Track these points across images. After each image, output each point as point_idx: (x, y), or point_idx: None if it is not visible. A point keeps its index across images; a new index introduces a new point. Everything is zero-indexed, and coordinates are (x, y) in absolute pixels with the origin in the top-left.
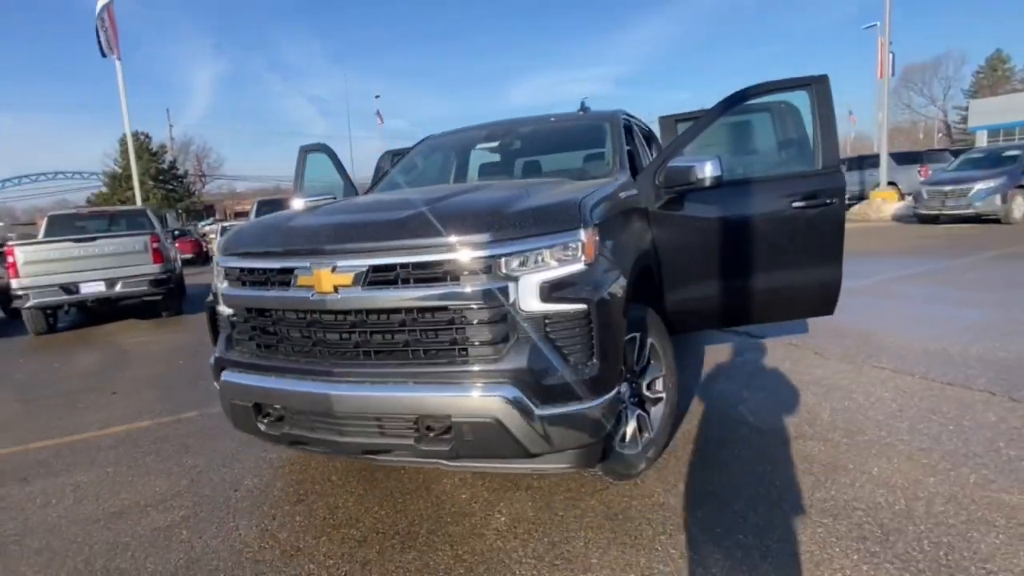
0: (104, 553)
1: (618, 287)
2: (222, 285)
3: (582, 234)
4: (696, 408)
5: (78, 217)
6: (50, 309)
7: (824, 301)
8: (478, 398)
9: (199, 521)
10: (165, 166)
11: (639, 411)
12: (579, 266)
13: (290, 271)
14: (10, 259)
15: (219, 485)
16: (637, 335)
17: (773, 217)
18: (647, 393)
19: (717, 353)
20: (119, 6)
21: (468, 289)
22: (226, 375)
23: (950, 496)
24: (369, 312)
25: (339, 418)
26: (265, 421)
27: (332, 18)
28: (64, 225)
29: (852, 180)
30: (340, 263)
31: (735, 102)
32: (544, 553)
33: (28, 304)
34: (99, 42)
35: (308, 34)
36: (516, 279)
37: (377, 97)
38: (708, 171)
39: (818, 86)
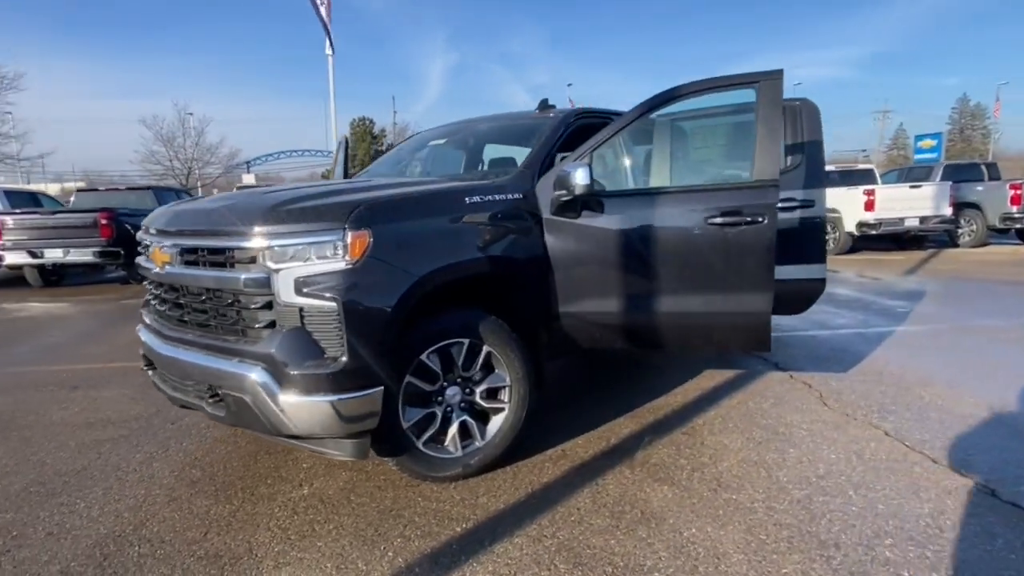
0: (62, 445)
1: (392, 290)
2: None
3: (347, 234)
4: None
5: (97, 192)
6: (38, 268)
7: (752, 336)
8: (236, 375)
9: (135, 437)
10: (383, 148)
11: (465, 417)
12: (339, 265)
13: (147, 247)
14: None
15: (167, 418)
16: (465, 341)
17: (685, 234)
18: (481, 401)
19: (706, 379)
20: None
21: (242, 276)
22: (138, 329)
23: None
24: (181, 287)
25: (171, 375)
26: (149, 372)
27: (548, 7)
28: (85, 198)
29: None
30: (166, 243)
31: (659, 103)
32: (284, 525)
33: (3, 263)
34: (328, 38)
35: (525, 24)
36: (277, 271)
37: (569, 85)
38: (578, 179)
39: (767, 84)
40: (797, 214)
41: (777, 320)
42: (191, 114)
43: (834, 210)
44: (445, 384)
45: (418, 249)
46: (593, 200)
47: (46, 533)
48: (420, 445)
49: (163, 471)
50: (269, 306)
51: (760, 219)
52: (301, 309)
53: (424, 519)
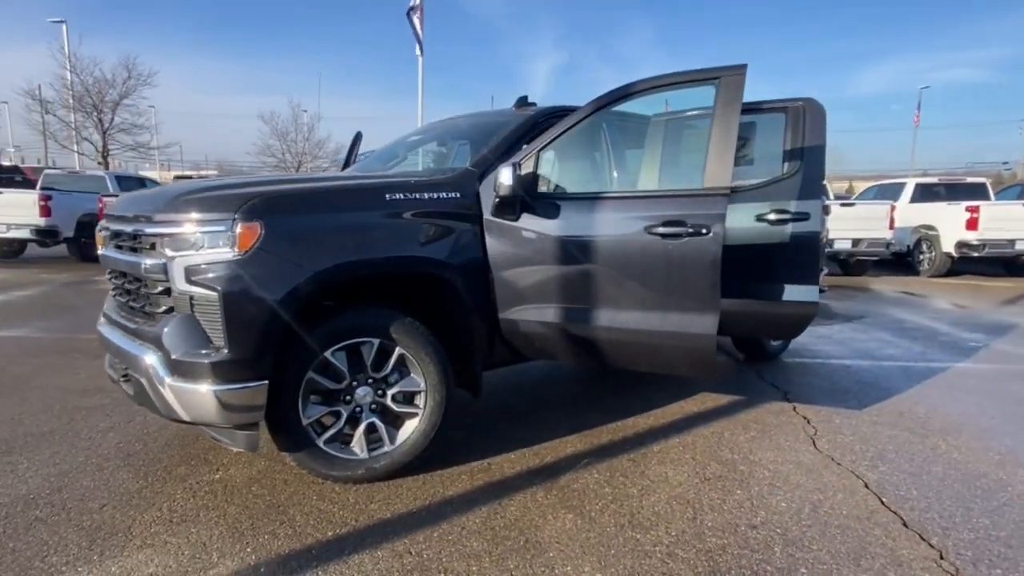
0: (47, 408)
1: (280, 284)
2: None
3: (237, 225)
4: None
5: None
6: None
7: (695, 360)
8: (136, 357)
9: (112, 408)
10: None
11: (374, 419)
12: (227, 255)
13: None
14: None
15: None
16: (375, 341)
17: (624, 243)
18: (392, 404)
19: (695, 402)
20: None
21: (143, 262)
22: None
23: None
24: (113, 271)
25: (109, 354)
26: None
27: (660, 5)
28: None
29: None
30: (106, 226)
31: (612, 100)
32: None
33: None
34: (418, 39)
35: (633, 21)
36: (172, 258)
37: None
38: (501, 179)
39: (728, 80)
40: (788, 228)
41: (814, 345)
42: (305, 111)
43: (931, 227)
44: (355, 383)
45: (317, 244)
46: (534, 202)
47: None
48: (321, 443)
49: (111, 442)
50: (168, 292)
51: (704, 231)
52: (191, 297)
53: (304, 519)
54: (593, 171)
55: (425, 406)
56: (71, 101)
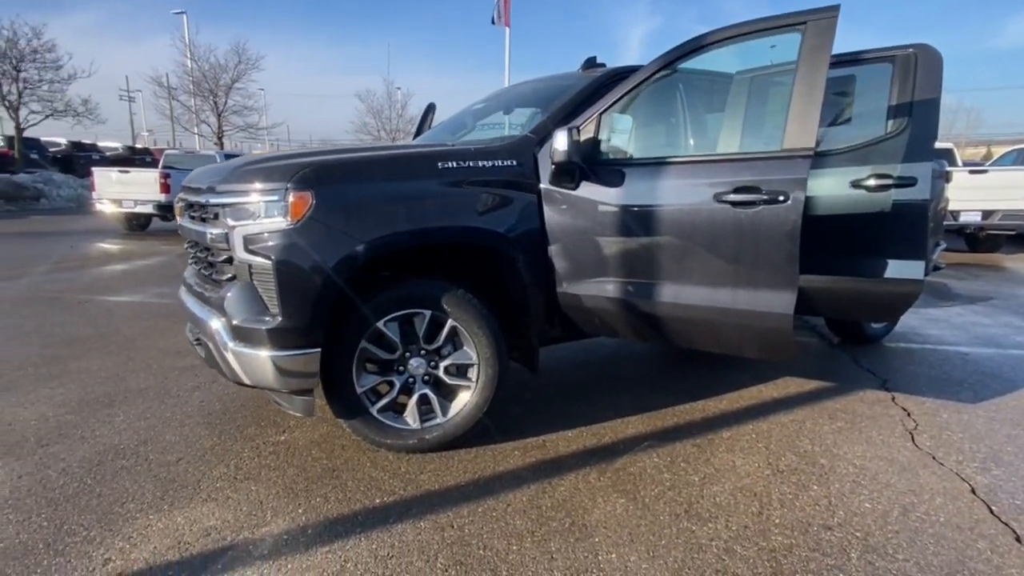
0: (147, 367)
1: (331, 253)
2: None
3: (289, 195)
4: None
5: None
6: None
7: (768, 341)
8: (204, 322)
9: (201, 369)
10: None
11: (426, 390)
12: (280, 224)
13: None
14: None
15: None
16: (427, 312)
17: (691, 212)
18: (444, 376)
19: (776, 387)
20: None
21: (209, 231)
22: None
23: None
24: (189, 241)
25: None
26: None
27: None
28: None
29: None
30: (183, 197)
31: (682, 55)
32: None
33: None
34: (495, 12)
35: None
36: (233, 228)
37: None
38: (556, 145)
39: (815, 26)
40: (890, 195)
41: (926, 329)
42: (399, 88)
43: None
44: (408, 354)
45: (368, 214)
46: (595, 169)
47: (79, 436)
48: (375, 411)
49: (195, 400)
50: (231, 261)
51: (781, 198)
52: (250, 266)
53: (356, 485)
54: (661, 135)
55: (477, 379)
56: (191, 87)
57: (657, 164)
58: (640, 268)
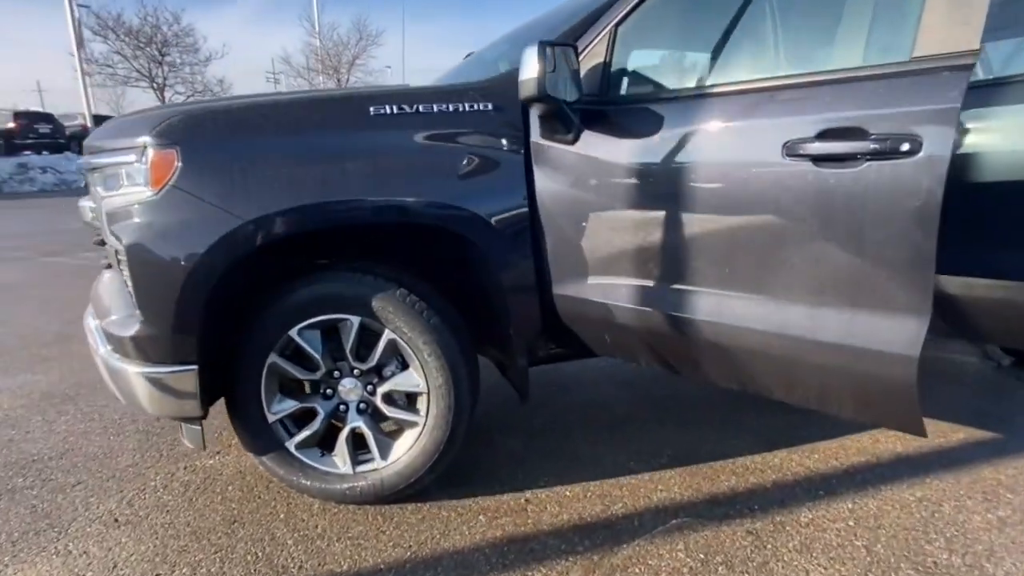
0: None
1: (198, 236)
2: None
3: (149, 153)
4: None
5: None
6: None
7: (875, 399)
8: (84, 318)
9: None
10: None
11: (360, 423)
12: (141, 195)
13: None
14: None
15: None
16: (354, 319)
17: (742, 178)
18: (382, 406)
19: (897, 434)
20: None
21: (88, 205)
22: None
23: None
24: None
25: None
26: None
27: None
28: None
29: None
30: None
31: None
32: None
33: None
34: None
35: None
36: (102, 200)
37: None
38: (525, 71)
39: None
40: None
41: None
42: None
43: None
44: (338, 374)
45: (257, 180)
46: (603, 112)
47: (7, 439)
48: (292, 446)
49: None
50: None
51: (906, 147)
52: (116, 252)
53: (244, 550)
54: (702, 53)
55: (427, 414)
56: (318, 65)
57: (691, 99)
58: (663, 266)
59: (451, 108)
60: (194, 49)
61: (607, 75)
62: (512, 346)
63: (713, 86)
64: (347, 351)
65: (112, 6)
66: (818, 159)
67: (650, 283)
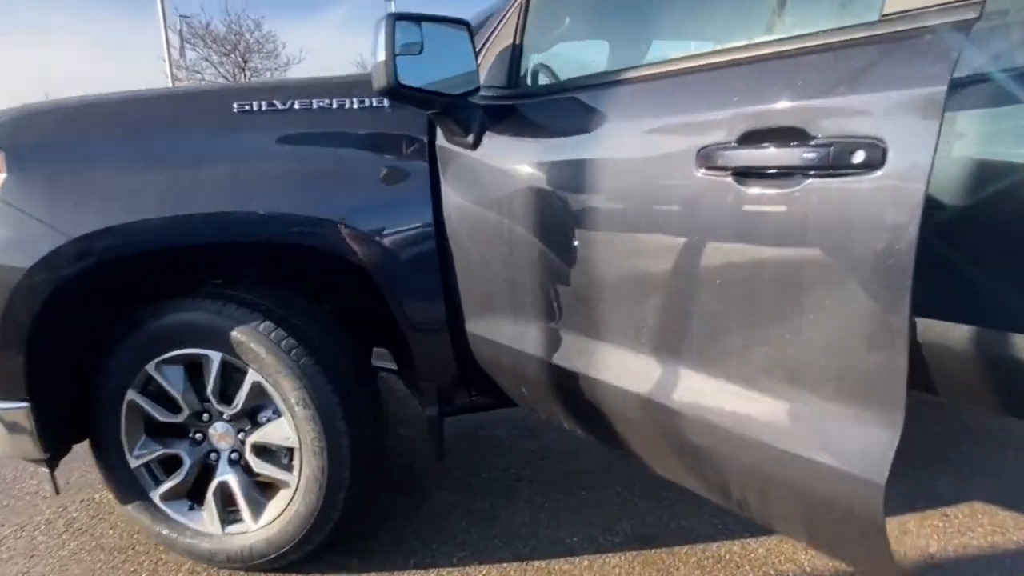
0: None
1: (19, 255)
2: None
3: None
4: None
5: None
6: None
7: (829, 527)
8: None
9: None
10: None
11: (228, 476)
12: None
13: None
14: None
15: None
16: (215, 356)
17: (642, 197)
18: (251, 458)
19: (918, 517)
20: None
21: None
22: None
23: None
24: None
25: None
26: None
27: None
28: None
29: None
30: None
31: None
32: None
33: None
34: None
35: None
36: None
37: None
38: (377, 54)
39: None
40: None
41: None
42: None
43: None
44: (207, 416)
45: (92, 191)
46: (513, 108)
47: None
48: (157, 497)
49: None
50: None
51: (860, 156)
52: None
53: None
54: (634, 33)
55: (301, 473)
56: None
57: (598, 88)
58: (567, 309)
59: (335, 104)
60: (274, 55)
61: (516, 61)
62: (419, 391)
63: (622, 71)
64: (208, 392)
65: (202, 15)
66: (740, 173)
67: (549, 327)
